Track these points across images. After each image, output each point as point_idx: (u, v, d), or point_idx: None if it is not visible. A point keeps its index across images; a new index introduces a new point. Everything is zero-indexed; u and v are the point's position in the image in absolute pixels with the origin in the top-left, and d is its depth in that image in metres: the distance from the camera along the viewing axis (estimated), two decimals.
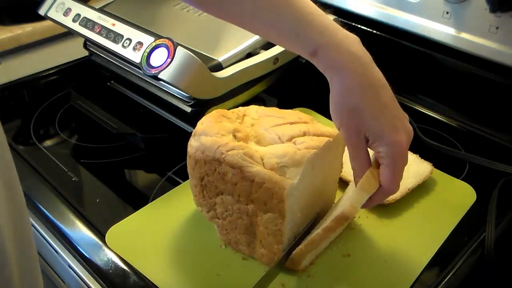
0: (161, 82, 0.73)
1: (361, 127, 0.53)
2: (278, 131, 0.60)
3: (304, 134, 0.60)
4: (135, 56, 0.74)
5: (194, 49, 0.76)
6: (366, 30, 0.97)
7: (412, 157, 0.72)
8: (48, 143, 0.85)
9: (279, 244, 0.57)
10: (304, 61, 0.86)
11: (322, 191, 0.64)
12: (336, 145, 0.62)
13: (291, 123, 0.61)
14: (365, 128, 0.53)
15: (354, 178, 0.56)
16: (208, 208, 0.62)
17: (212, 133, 0.60)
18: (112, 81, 0.93)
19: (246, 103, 0.77)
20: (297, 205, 0.57)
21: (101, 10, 0.85)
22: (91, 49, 0.91)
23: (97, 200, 0.73)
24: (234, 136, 0.60)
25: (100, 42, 0.80)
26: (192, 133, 0.62)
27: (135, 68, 0.81)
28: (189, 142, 0.62)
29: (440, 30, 0.85)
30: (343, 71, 0.52)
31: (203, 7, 0.59)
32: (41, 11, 0.90)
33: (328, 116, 0.81)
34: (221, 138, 0.59)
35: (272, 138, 0.59)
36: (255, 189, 0.56)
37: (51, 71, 1.03)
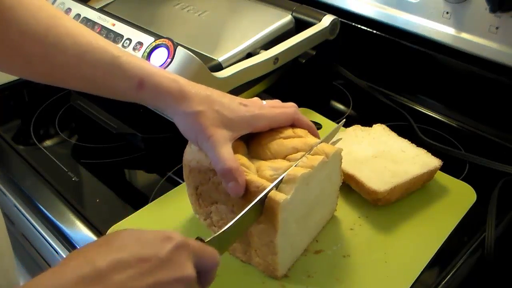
0: None
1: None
2: (272, 148, 0.59)
3: (297, 151, 0.58)
4: None
5: (194, 49, 0.76)
6: (366, 30, 0.97)
7: (421, 151, 0.72)
8: (48, 143, 0.85)
9: (273, 255, 0.56)
10: (304, 61, 0.86)
11: (320, 201, 0.62)
12: (334, 161, 0.61)
13: (284, 138, 0.59)
14: None
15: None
16: (204, 216, 0.62)
17: None
18: None
19: None
20: (291, 217, 0.56)
21: (101, 10, 0.85)
22: None
23: (97, 200, 0.73)
24: None
25: None
26: (189, 142, 0.62)
27: None
28: (185, 150, 0.62)
29: (440, 30, 0.85)
30: (184, 89, 0.56)
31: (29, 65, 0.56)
32: None
33: (329, 116, 0.81)
34: None
35: (266, 155, 0.59)
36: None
37: None
